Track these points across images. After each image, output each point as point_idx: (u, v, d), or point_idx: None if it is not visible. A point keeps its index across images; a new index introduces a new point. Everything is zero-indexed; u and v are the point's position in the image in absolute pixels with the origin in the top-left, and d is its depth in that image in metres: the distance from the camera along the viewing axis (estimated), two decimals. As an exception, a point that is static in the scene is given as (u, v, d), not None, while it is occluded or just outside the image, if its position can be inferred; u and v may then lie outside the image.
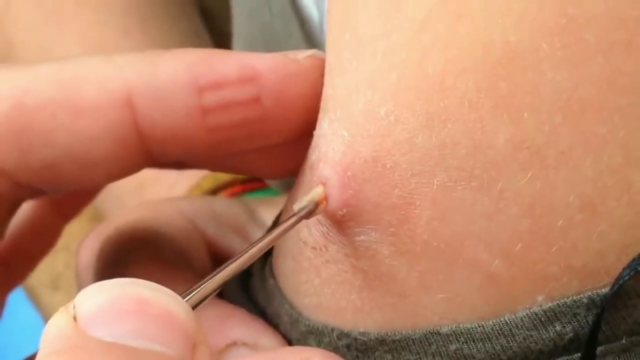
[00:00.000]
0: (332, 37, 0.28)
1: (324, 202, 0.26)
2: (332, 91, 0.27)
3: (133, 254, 0.35)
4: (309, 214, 0.26)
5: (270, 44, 0.40)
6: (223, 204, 0.42)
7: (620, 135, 0.24)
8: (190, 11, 0.58)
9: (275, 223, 0.32)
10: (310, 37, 0.38)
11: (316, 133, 0.28)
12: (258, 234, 0.41)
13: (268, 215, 0.43)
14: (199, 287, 0.24)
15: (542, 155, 0.25)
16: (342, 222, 0.27)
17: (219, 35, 0.56)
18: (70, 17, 0.56)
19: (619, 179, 0.25)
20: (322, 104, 0.28)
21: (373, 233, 0.26)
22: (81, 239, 0.60)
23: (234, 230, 0.41)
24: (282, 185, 0.49)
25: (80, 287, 0.40)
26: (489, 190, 0.25)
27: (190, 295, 0.24)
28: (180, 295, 0.24)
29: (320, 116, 0.27)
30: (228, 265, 0.25)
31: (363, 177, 0.26)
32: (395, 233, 0.26)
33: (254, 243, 0.26)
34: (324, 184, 0.27)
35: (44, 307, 0.58)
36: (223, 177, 0.50)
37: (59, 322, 0.22)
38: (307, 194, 0.27)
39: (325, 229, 0.27)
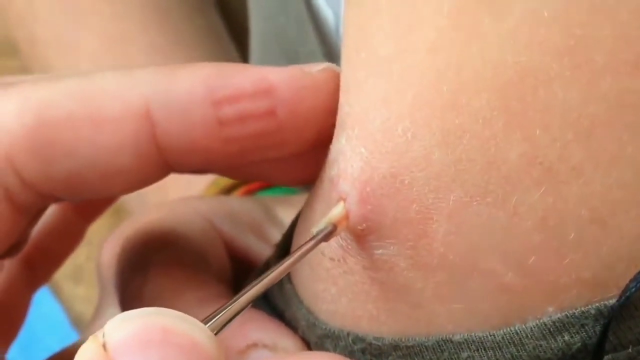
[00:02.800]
0: (348, 55, 0.28)
1: (345, 220, 0.27)
2: (349, 109, 0.28)
3: (152, 256, 0.36)
4: (328, 235, 0.27)
5: (285, 48, 0.41)
6: (239, 203, 0.43)
7: (628, 151, 0.25)
8: (207, 6, 0.59)
9: (293, 227, 0.33)
10: (326, 41, 0.39)
11: (334, 148, 0.28)
12: (275, 233, 0.42)
13: (285, 214, 0.43)
14: (221, 310, 0.25)
15: (554, 170, 0.25)
16: (361, 236, 0.28)
17: (237, 29, 0.57)
18: (89, 12, 0.56)
19: (627, 194, 0.25)
20: (340, 120, 0.28)
21: (391, 247, 0.27)
22: (102, 234, 0.61)
23: (251, 230, 0.41)
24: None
25: (101, 286, 0.41)
26: (503, 204, 0.26)
27: (213, 320, 0.25)
28: (202, 320, 0.25)
29: (338, 132, 0.28)
30: (249, 289, 0.26)
31: (382, 192, 0.27)
32: (413, 247, 0.27)
33: (274, 267, 0.27)
34: (344, 200, 0.27)
35: (66, 299, 0.59)
36: (241, 173, 0.51)
37: (90, 351, 0.23)
38: (326, 214, 0.27)
39: (344, 242, 0.28)
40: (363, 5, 0.28)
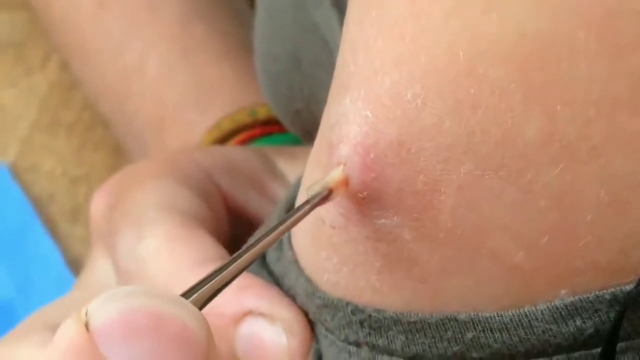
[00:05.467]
0: (357, 11, 0.27)
1: (343, 186, 0.26)
2: (354, 68, 0.26)
3: (148, 212, 0.35)
4: (324, 199, 0.26)
5: (296, 3, 0.39)
6: (241, 155, 0.41)
7: None
8: None
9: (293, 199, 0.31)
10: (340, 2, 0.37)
11: (334, 110, 0.27)
12: (275, 186, 0.41)
13: (287, 167, 0.42)
14: (211, 279, 0.24)
15: (574, 148, 0.24)
16: (362, 204, 0.26)
17: None
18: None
19: None
20: (342, 80, 0.27)
21: (395, 217, 0.26)
22: (102, 174, 0.60)
23: (251, 183, 0.40)
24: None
25: (94, 237, 0.39)
26: (517, 181, 0.24)
27: (201, 290, 0.24)
28: (191, 288, 0.23)
29: (340, 93, 0.27)
30: (239, 256, 0.25)
31: (386, 160, 0.25)
32: (418, 219, 0.25)
33: (265, 233, 0.25)
34: (344, 165, 0.26)
35: (64, 239, 0.58)
36: (243, 118, 0.50)
37: (72, 330, 0.22)
38: (324, 178, 0.26)
39: (344, 210, 0.26)
40: None
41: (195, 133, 0.51)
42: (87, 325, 0.21)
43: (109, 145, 0.61)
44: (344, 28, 0.27)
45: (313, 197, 0.26)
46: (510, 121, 0.24)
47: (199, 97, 0.52)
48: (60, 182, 0.60)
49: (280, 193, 0.41)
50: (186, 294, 0.23)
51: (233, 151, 0.42)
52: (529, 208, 0.25)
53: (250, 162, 0.41)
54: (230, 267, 0.24)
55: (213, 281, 0.24)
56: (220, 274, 0.24)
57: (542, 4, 0.23)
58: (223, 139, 0.49)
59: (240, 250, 0.25)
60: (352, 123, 0.26)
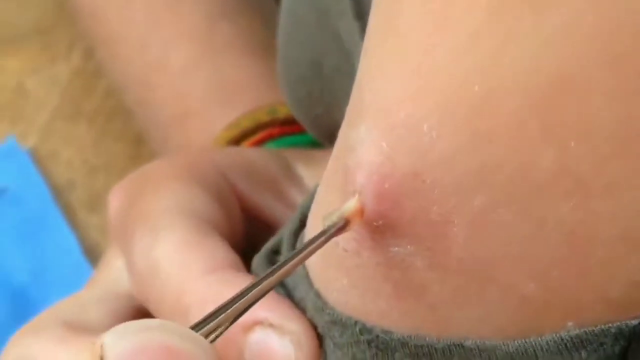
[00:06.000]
0: (375, 38, 0.27)
1: (359, 215, 0.26)
2: (371, 96, 0.26)
3: (164, 215, 0.35)
4: (340, 229, 0.26)
5: (318, 7, 0.39)
6: (259, 158, 0.41)
7: None
8: None
9: (305, 215, 0.31)
10: (360, 3, 0.37)
11: (351, 135, 0.27)
12: (293, 191, 0.41)
13: (305, 170, 0.42)
14: (223, 311, 0.24)
15: (587, 184, 0.24)
16: (376, 232, 0.26)
17: None
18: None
19: None
20: (358, 106, 0.27)
21: (408, 246, 0.26)
22: (121, 163, 0.60)
23: (268, 186, 0.40)
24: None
25: (112, 234, 0.40)
26: (529, 214, 0.25)
27: (214, 321, 0.24)
28: (204, 319, 0.24)
29: (356, 119, 0.27)
30: (255, 285, 0.25)
31: (401, 190, 0.25)
32: (431, 248, 0.26)
33: (276, 266, 0.26)
34: (359, 193, 0.26)
35: (82, 228, 0.58)
36: (262, 117, 0.50)
37: None
38: (339, 206, 0.26)
39: (358, 235, 0.27)
40: None
41: (216, 129, 0.51)
42: (102, 359, 0.22)
43: (129, 137, 0.62)
44: (362, 53, 0.27)
45: (329, 228, 0.26)
46: (524, 155, 0.24)
47: (222, 94, 0.52)
48: (80, 170, 0.61)
49: (297, 196, 0.41)
50: (200, 325, 0.24)
51: (251, 153, 0.42)
52: (541, 242, 0.25)
53: (268, 164, 0.41)
54: (242, 299, 0.25)
55: (226, 313, 0.24)
56: (233, 305, 0.25)
57: (559, 39, 0.23)
58: (242, 137, 0.49)
59: (254, 282, 0.25)
60: (368, 152, 0.26)
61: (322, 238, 0.26)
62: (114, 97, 0.62)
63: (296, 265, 0.26)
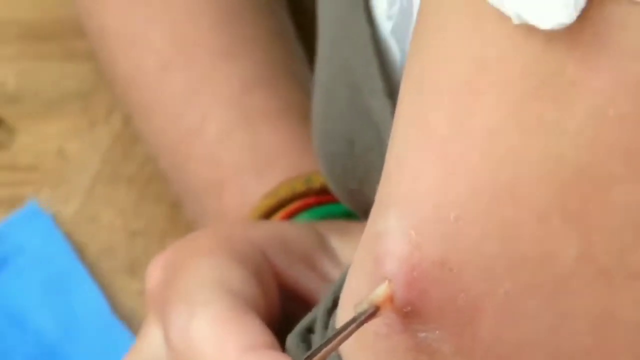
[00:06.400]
0: (402, 130, 0.28)
1: (389, 302, 0.27)
2: (398, 185, 0.27)
3: (202, 292, 0.36)
4: (371, 315, 0.27)
5: (349, 80, 0.40)
6: (294, 232, 0.42)
7: None
8: (277, 6, 0.58)
9: (337, 295, 0.32)
10: (391, 79, 0.38)
11: (380, 223, 0.28)
12: (327, 265, 0.42)
13: (340, 244, 0.43)
14: None
15: (610, 274, 0.25)
16: (405, 317, 0.27)
17: (308, 27, 0.56)
18: (160, 8, 0.56)
19: None
20: (387, 195, 0.28)
21: (436, 332, 0.27)
22: (160, 226, 0.61)
23: (303, 261, 0.41)
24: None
25: (151, 306, 0.40)
26: (554, 303, 0.25)
27: None
28: None
29: (386, 207, 0.28)
30: None
31: (429, 278, 0.26)
32: (459, 334, 0.26)
33: (309, 353, 0.26)
34: (389, 281, 0.27)
35: (120, 294, 0.59)
36: (299, 186, 0.51)
37: None
38: (370, 292, 0.27)
39: (389, 320, 0.27)
40: (421, 82, 0.27)
41: (252, 198, 0.52)
42: None
43: (168, 201, 0.63)
44: (390, 141, 0.28)
45: (360, 315, 0.27)
46: (548, 245, 0.25)
47: (257, 162, 0.53)
48: (120, 234, 0.62)
49: (332, 270, 0.42)
50: None
51: (287, 227, 0.43)
52: (565, 330, 0.25)
53: (303, 239, 0.42)
54: None
55: None
56: None
57: (579, 133, 0.24)
58: (279, 206, 0.50)
59: None
60: (397, 240, 0.27)
61: (353, 325, 0.27)
62: (152, 161, 0.63)
63: (329, 352, 0.27)
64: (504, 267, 0.25)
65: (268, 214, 0.50)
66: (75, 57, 0.68)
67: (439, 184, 0.26)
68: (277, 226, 0.44)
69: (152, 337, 0.40)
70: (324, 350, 0.26)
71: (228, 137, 0.54)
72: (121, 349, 0.42)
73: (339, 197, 0.46)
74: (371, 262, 0.28)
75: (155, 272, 0.40)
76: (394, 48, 0.39)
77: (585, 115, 0.24)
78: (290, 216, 0.49)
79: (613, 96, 0.24)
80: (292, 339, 0.34)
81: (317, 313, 0.34)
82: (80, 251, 0.61)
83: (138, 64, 0.56)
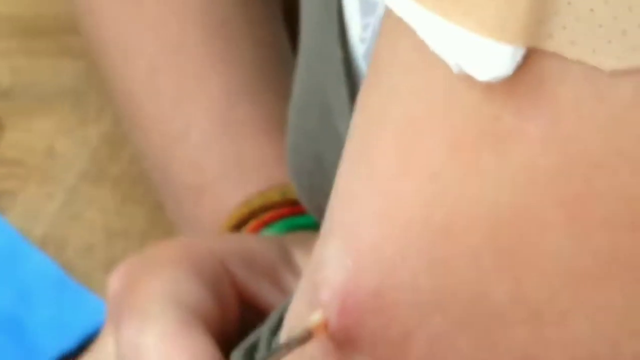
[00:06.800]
0: (348, 163, 0.28)
1: (323, 329, 0.27)
2: (340, 218, 0.28)
3: (153, 304, 0.36)
4: (303, 340, 0.27)
5: (321, 100, 0.40)
6: (259, 246, 0.43)
7: (617, 305, 0.25)
8: (270, 16, 0.59)
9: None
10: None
11: (321, 251, 0.28)
12: (289, 280, 0.42)
13: (303, 258, 0.43)
14: None
15: (541, 313, 0.25)
16: (339, 345, 0.27)
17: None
18: (152, 16, 0.57)
19: (610, 347, 0.25)
20: (330, 225, 0.28)
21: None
22: (141, 227, 0.62)
23: (266, 275, 0.42)
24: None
25: (109, 313, 0.41)
26: (484, 339, 0.26)
27: None
28: None
29: (328, 237, 0.28)
30: None
31: (363, 308, 0.27)
32: None
33: None
34: (324, 308, 0.27)
35: (97, 294, 0.59)
36: (273, 196, 0.51)
37: None
38: (305, 317, 0.27)
39: (323, 346, 0.28)
40: (372, 117, 0.27)
41: (229, 206, 0.52)
42: None
43: (149, 202, 0.63)
44: (338, 171, 0.29)
45: (292, 339, 0.27)
46: (480, 283, 0.25)
47: (236, 172, 0.53)
48: (100, 234, 0.62)
49: (294, 284, 0.42)
50: None
51: (251, 240, 0.44)
52: None
53: (267, 253, 0.42)
54: None
55: None
56: None
57: (514, 179, 0.25)
58: (252, 215, 0.51)
59: None
60: (334, 270, 0.27)
61: (283, 350, 0.27)
62: (139, 163, 0.64)
63: None
64: (436, 302, 0.26)
65: (242, 223, 0.50)
66: (69, 54, 0.69)
67: (377, 219, 0.27)
68: (242, 239, 0.45)
69: (107, 346, 0.40)
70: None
71: (210, 145, 0.55)
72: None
73: (309, 210, 0.46)
74: (311, 288, 0.28)
75: (114, 283, 0.41)
76: (365, 71, 0.39)
77: (519, 164, 0.25)
78: (263, 226, 0.50)
79: (545, 147, 0.24)
80: (235, 356, 0.35)
81: (262, 332, 0.34)
82: (59, 248, 0.61)
83: (129, 65, 0.57)
